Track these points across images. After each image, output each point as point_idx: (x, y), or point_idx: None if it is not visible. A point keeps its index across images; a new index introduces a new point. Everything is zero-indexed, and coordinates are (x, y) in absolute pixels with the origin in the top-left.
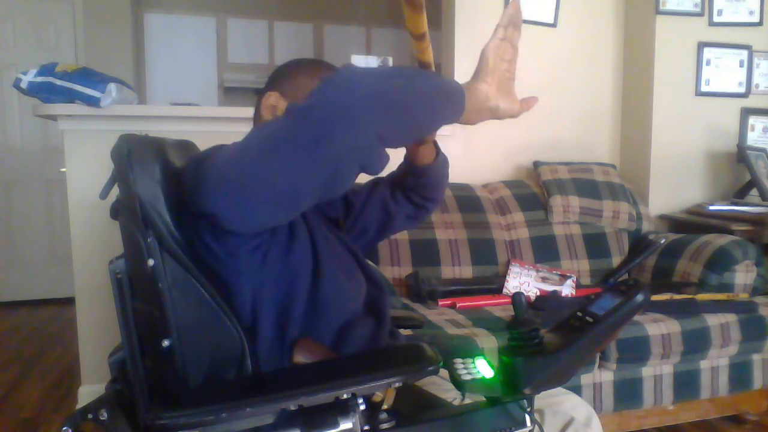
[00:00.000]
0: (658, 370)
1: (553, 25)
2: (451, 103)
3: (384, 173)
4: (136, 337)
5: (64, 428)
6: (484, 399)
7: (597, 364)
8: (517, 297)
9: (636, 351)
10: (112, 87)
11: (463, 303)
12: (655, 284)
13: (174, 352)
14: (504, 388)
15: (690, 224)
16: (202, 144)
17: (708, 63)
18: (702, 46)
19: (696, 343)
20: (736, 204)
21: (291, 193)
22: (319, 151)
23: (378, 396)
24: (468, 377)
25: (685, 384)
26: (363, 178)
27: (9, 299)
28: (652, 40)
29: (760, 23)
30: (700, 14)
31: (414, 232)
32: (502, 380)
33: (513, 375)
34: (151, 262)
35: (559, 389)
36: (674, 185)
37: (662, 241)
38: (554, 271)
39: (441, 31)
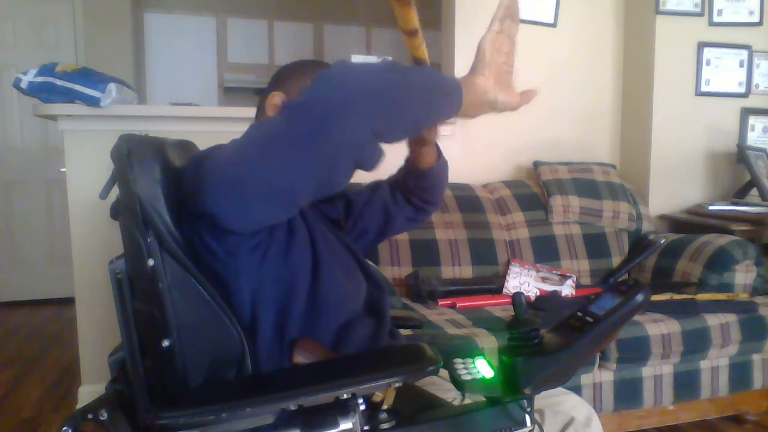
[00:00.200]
0: (658, 370)
1: (553, 25)
2: (448, 98)
3: (385, 174)
4: (136, 337)
5: (64, 428)
6: (484, 399)
7: (597, 364)
8: (517, 297)
9: (636, 351)
10: (112, 87)
11: (463, 303)
12: (655, 284)
13: (174, 352)
14: (504, 388)
15: (690, 224)
16: (202, 144)
17: (708, 63)
18: (702, 46)
19: (696, 343)
20: (736, 204)
21: (288, 189)
22: (313, 147)
23: (378, 396)
24: (468, 377)
25: (685, 384)
26: (362, 177)
27: (9, 299)
28: (652, 40)
29: (760, 23)
30: (700, 14)
31: (414, 232)
32: (502, 380)
33: (513, 375)
34: (151, 262)
35: (559, 389)
36: (674, 185)
37: (662, 241)
38: (554, 271)
39: (441, 31)
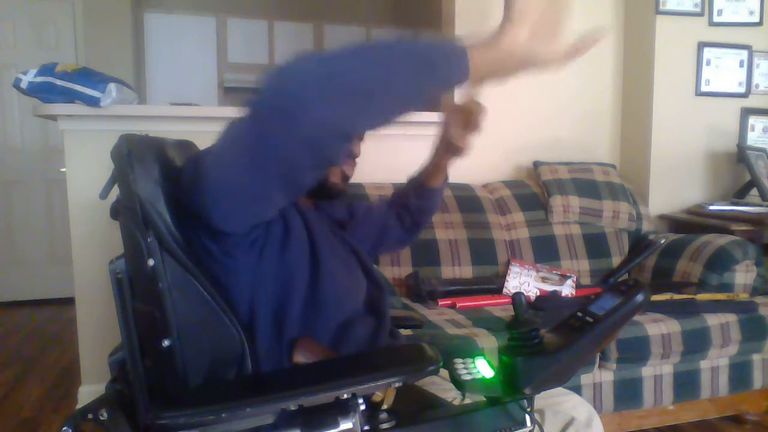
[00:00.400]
0: (658, 370)
1: None
2: (440, 69)
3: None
4: (136, 337)
5: (64, 428)
6: (484, 399)
7: (597, 364)
8: (517, 297)
9: (636, 351)
10: (112, 87)
11: (463, 303)
12: (655, 284)
13: (174, 352)
14: (504, 388)
15: (690, 224)
16: (202, 144)
17: (708, 63)
18: (702, 46)
19: (696, 343)
20: (736, 204)
21: (255, 190)
22: (265, 146)
23: (378, 396)
24: (468, 377)
25: (685, 384)
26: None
27: (9, 299)
28: (652, 40)
29: (760, 23)
30: (700, 14)
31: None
32: (502, 380)
33: (513, 375)
34: (151, 262)
35: (561, 389)
36: (674, 185)
37: (662, 241)
38: (554, 271)
39: (441, 31)
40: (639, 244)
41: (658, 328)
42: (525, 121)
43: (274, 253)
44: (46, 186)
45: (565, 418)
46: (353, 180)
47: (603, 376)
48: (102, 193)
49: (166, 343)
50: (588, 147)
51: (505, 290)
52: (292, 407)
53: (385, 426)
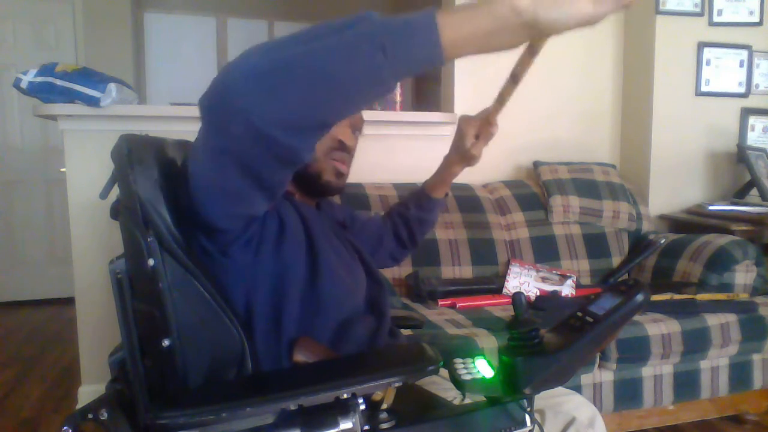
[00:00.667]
0: (658, 370)
1: None
2: (395, 49)
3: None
4: (136, 337)
5: (64, 428)
6: (484, 399)
7: (597, 364)
8: (517, 297)
9: (636, 351)
10: (112, 87)
11: (463, 303)
12: (655, 284)
13: (174, 351)
14: (504, 388)
15: (690, 224)
16: None
17: (708, 63)
18: (702, 46)
19: (696, 343)
20: (736, 204)
21: (226, 187)
22: (215, 143)
23: (378, 395)
24: (468, 377)
25: (685, 384)
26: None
27: (9, 299)
28: (652, 40)
29: (760, 23)
30: (700, 14)
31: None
32: (502, 380)
33: (513, 375)
34: (151, 262)
35: (563, 389)
36: (674, 185)
37: (662, 241)
38: (554, 271)
39: None
40: (639, 244)
41: (658, 328)
42: (525, 121)
43: (269, 250)
44: (46, 186)
45: (566, 418)
46: (353, 180)
47: (603, 376)
48: (102, 193)
49: (166, 342)
50: (588, 147)
51: (505, 290)
52: (292, 407)
53: (385, 426)
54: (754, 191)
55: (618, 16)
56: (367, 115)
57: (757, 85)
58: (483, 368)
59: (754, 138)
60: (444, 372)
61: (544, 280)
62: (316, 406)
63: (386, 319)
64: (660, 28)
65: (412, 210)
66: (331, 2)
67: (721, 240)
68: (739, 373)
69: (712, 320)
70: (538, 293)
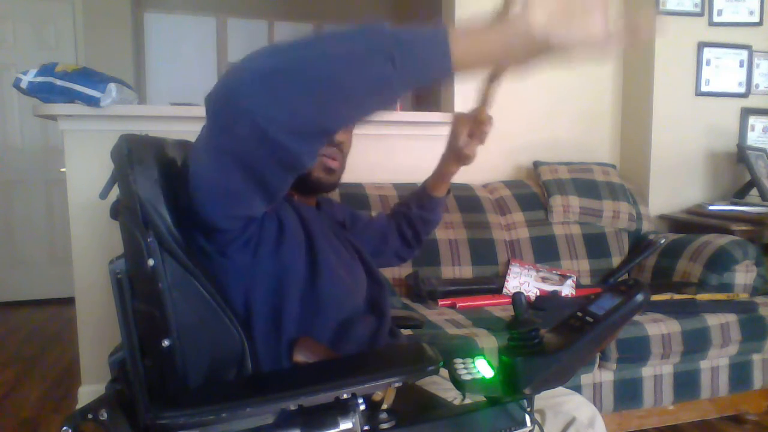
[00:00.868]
0: (658, 370)
1: None
2: (410, 59)
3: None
4: (136, 337)
5: (64, 428)
6: (484, 399)
7: (597, 364)
8: (517, 297)
9: (636, 351)
10: (112, 87)
11: (463, 303)
12: (655, 284)
13: (174, 351)
14: (504, 388)
15: (690, 224)
16: None
17: (708, 63)
18: (702, 46)
19: (696, 343)
20: (736, 204)
21: (227, 188)
22: (218, 144)
23: (378, 396)
24: (468, 377)
25: (685, 384)
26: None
27: (9, 299)
28: (652, 40)
29: (760, 23)
30: (700, 14)
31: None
32: (502, 380)
33: (513, 375)
34: (151, 262)
35: (563, 389)
36: (674, 185)
37: (662, 241)
38: (554, 271)
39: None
40: (639, 244)
41: (658, 328)
42: (525, 121)
43: (268, 251)
44: (46, 186)
45: (566, 418)
46: (353, 180)
47: (603, 376)
48: (102, 193)
49: (166, 342)
50: (588, 147)
51: (505, 290)
52: (292, 407)
53: (385, 426)
54: (754, 191)
55: (618, 17)
56: None
57: (757, 85)
58: (483, 368)
59: (754, 138)
60: (444, 372)
61: (544, 280)
62: (316, 406)
63: (386, 318)
64: (660, 28)
65: (414, 210)
66: (331, 2)
67: (721, 240)
68: (739, 373)
69: (712, 320)
70: (538, 293)
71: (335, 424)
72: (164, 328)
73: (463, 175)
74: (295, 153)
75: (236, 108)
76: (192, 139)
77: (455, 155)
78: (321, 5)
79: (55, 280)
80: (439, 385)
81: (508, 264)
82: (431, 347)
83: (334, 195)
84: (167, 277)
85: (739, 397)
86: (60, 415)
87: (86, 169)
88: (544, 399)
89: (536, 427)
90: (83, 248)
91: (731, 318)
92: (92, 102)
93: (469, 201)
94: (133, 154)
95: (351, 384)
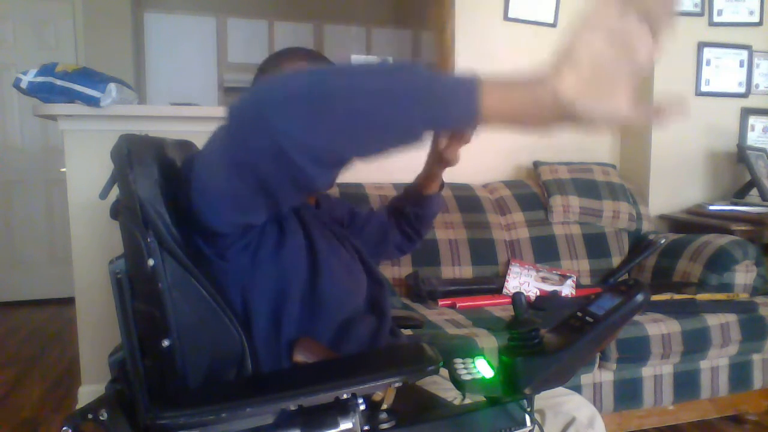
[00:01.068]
0: (658, 370)
1: (553, 25)
2: (434, 107)
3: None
4: (136, 337)
5: (64, 428)
6: (484, 399)
7: (597, 364)
8: (517, 297)
9: (636, 351)
10: (112, 87)
11: (463, 303)
12: (655, 284)
13: (174, 351)
14: (504, 388)
15: (690, 224)
16: (202, 144)
17: (708, 63)
18: (702, 46)
19: (696, 343)
20: (736, 204)
21: (236, 197)
22: (237, 156)
23: (378, 396)
24: (468, 377)
25: (685, 384)
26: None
27: (9, 299)
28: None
29: (760, 23)
30: (700, 14)
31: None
32: (502, 380)
33: (513, 375)
34: (151, 262)
35: (562, 389)
36: (674, 185)
37: (662, 241)
38: (554, 271)
39: (441, 31)
40: (639, 244)
41: (658, 328)
42: None
43: (268, 255)
44: (46, 186)
45: (566, 418)
46: (353, 180)
47: (603, 376)
48: (102, 193)
49: (166, 343)
50: (588, 147)
51: (505, 290)
52: (292, 407)
53: (385, 426)
54: (754, 191)
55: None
56: None
57: (757, 85)
58: (483, 368)
59: (754, 138)
60: (444, 372)
61: (544, 280)
62: (316, 407)
63: (387, 318)
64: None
65: (408, 208)
66: (331, 2)
67: (721, 240)
68: (739, 373)
69: (712, 320)
70: (538, 293)
71: (335, 424)
72: (164, 328)
73: (463, 175)
74: (311, 177)
75: (262, 124)
76: (192, 138)
77: (437, 158)
78: (321, 5)
79: (55, 280)
80: (439, 385)
81: (508, 264)
82: (431, 347)
83: (333, 191)
84: (167, 277)
85: (739, 397)
86: (60, 415)
87: (86, 169)
88: (544, 399)
89: (536, 427)
90: (83, 248)
91: (731, 318)
92: (92, 102)
93: (469, 201)
94: (133, 154)
95: (351, 384)
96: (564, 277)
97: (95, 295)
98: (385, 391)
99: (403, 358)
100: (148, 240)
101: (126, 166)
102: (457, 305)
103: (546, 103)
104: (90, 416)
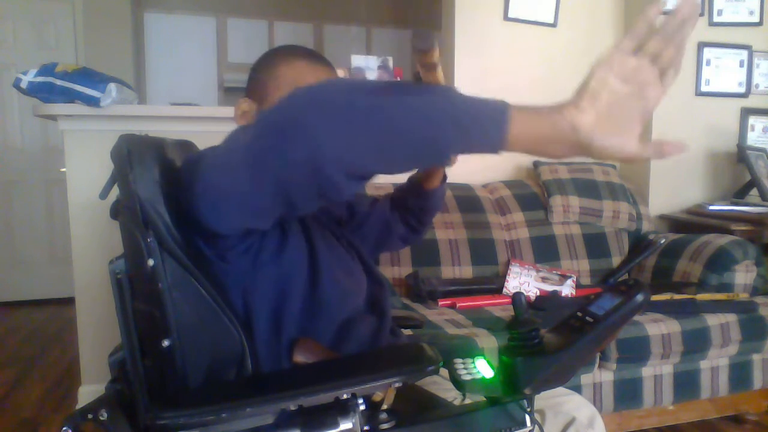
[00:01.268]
0: (658, 370)
1: (553, 25)
2: (467, 131)
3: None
4: (136, 337)
5: (64, 428)
6: (484, 399)
7: (597, 364)
8: (517, 297)
9: (636, 351)
10: (112, 87)
11: (463, 303)
12: (655, 284)
13: (174, 351)
14: (504, 388)
15: (690, 224)
16: (202, 144)
17: (708, 63)
18: (702, 46)
19: (696, 343)
20: (736, 204)
21: (249, 199)
22: (265, 161)
23: (378, 396)
24: (468, 377)
25: (685, 384)
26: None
27: (9, 299)
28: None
29: (760, 23)
30: (700, 14)
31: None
32: (502, 380)
33: (513, 375)
34: (151, 262)
35: (562, 389)
36: (674, 185)
37: (662, 241)
38: (554, 271)
39: (441, 31)
40: (639, 244)
41: (658, 328)
42: None
43: (270, 258)
44: (46, 186)
45: (566, 418)
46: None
47: (603, 376)
48: (102, 193)
49: (166, 343)
50: None
51: (505, 290)
52: (292, 407)
53: (385, 426)
54: (754, 191)
55: (618, 15)
56: None
57: (757, 85)
58: (483, 368)
59: (754, 138)
60: (444, 372)
61: (544, 280)
62: (316, 407)
63: (387, 318)
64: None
65: (411, 201)
66: (331, 2)
67: (721, 240)
68: (739, 373)
69: (712, 320)
70: (538, 293)
71: (335, 424)
72: (164, 328)
73: (463, 175)
74: (340, 190)
75: (298, 134)
76: (192, 138)
77: None
78: (321, 5)
79: (55, 280)
80: (439, 385)
81: (508, 264)
82: (431, 347)
83: None
84: (167, 277)
85: (739, 397)
86: (60, 415)
87: (86, 169)
88: (544, 399)
89: (536, 427)
90: (83, 248)
91: (731, 318)
92: (92, 102)
93: (469, 201)
94: (133, 154)
95: (351, 384)
96: (564, 277)
97: (95, 295)
98: (385, 391)
99: (403, 358)
100: (148, 240)
101: (126, 166)
102: (457, 305)
103: (565, 134)
104: (90, 416)
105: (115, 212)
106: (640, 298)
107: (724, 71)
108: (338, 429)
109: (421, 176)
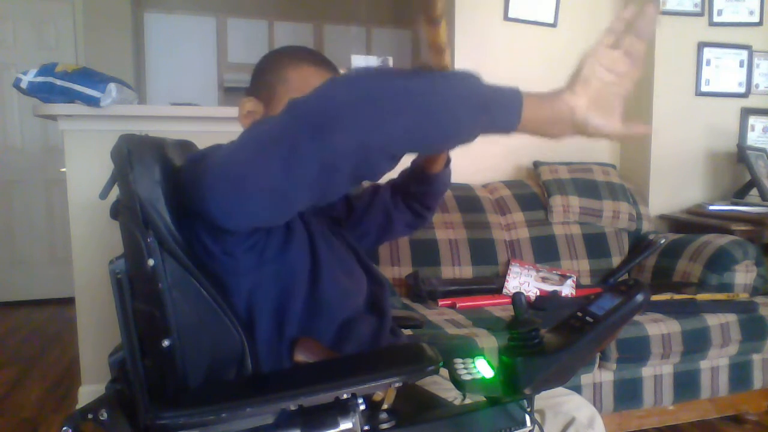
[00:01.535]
0: (658, 370)
1: (553, 25)
2: (490, 113)
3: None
4: (136, 337)
5: (64, 428)
6: (484, 399)
7: (597, 364)
8: (517, 297)
9: (636, 351)
10: (112, 87)
11: (463, 303)
12: (655, 284)
13: (174, 351)
14: (504, 388)
15: (690, 224)
16: (202, 144)
17: (708, 63)
18: (702, 46)
19: (696, 343)
20: (736, 204)
21: (281, 190)
22: (306, 150)
23: (378, 396)
24: (468, 377)
25: (685, 384)
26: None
27: (9, 299)
28: (652, 40)
29: (760, 23)
30: (700, 14)
31: (414, 232)
32: (502, 380)
33: (513, 375)
34: (151, 262)
35: (562, 390)
36: (674, 185)
37: (662, 241)
38: (554, 271)
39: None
40: (639, 244)
41: (658, 328)
42: None
43: (274, 255)
44: (46, 186)
45: (566, 418)
46: None
47: (603, 376)
48: (102, 193)
49: (166, 343)
50: (588, 147)
51: (505, 290)
52: (292, 407)
53: (385, 426)
54: (754, 191)
55: (617, 16)
56: None
57: (757, 85)
58: (483, 368)
59: (754, 138)
60: (444, 372)
61: (544, 280)
62: (316, 406)
63: (387, 318)
64: (660, 28)
65: (414, 187)
66: (331, 2)
67: (721, 240)
68: (739, 373)
69: (712, 320)
70: (538, 293)
71: (335, 424)
72: (164, 328)
73: (463, 175)
74: (381, 171)
75: (344, 124)
76: (192, 138)
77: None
78: (321, 5)
79: (55, 280)
80: (439, 385)
81: (508, 264)
82: (431, 347)
83: None
84: (167, 277)
85: (739, 397)
86: (60, 415)
87: (86, 169)
88: (544, 399)
89: (536, 427)
90: (83, 248)
91: (731, 318)
92: (92, 102)
93: (469, 201)
94: (133, 154)
95: (351, 384)
96: (564, 277)
97: (95, 295)
98: (386, 391)
99: (403, 358)
100: (148, 240)
101: (126, 166)
102: (457, 305)
103: (565, 116)
104: (90, 416)
105: (115, 212)
106: (640, 298)
107: (724, 71)
108: (338, 429)
109: (424, 161)
